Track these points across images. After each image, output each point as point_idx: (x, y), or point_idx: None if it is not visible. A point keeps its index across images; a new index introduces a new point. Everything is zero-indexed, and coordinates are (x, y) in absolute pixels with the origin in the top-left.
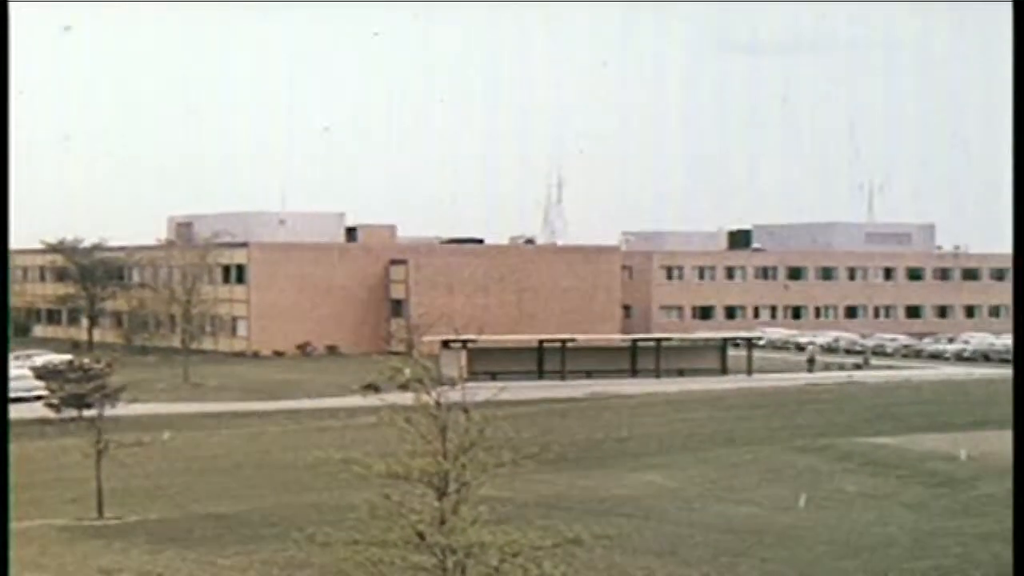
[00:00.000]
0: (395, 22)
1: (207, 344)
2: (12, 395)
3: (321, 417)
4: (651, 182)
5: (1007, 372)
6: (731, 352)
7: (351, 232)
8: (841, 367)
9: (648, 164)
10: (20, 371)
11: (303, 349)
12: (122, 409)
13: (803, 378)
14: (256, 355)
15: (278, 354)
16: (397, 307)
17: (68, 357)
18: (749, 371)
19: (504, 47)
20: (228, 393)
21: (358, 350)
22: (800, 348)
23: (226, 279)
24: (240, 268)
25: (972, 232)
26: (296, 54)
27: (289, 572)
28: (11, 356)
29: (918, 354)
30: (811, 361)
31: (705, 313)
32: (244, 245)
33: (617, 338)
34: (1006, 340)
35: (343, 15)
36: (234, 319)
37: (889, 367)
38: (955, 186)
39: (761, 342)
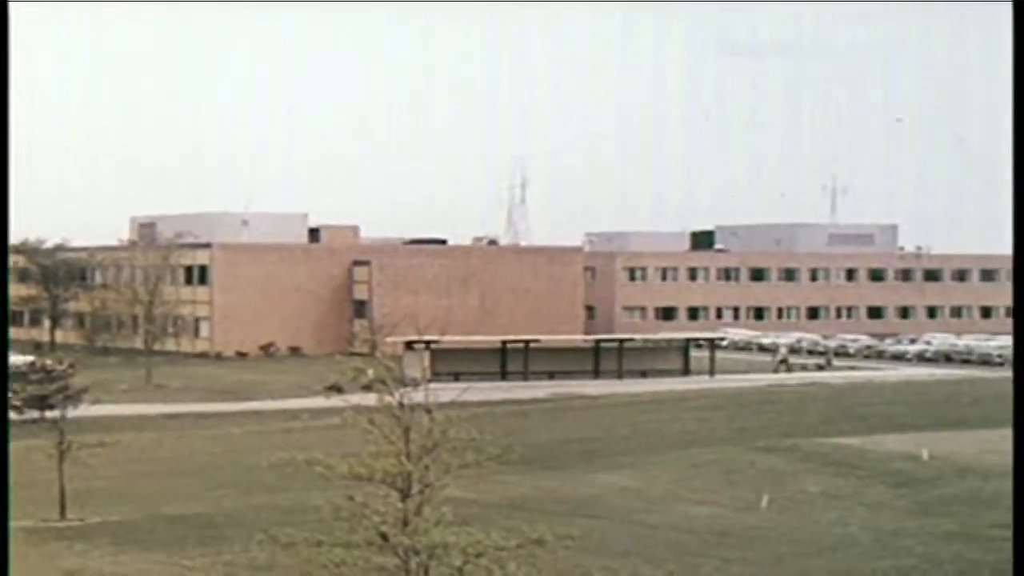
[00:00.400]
0: (363, 23)
1: (170, 345)
2: None
3: (284, 418)
4: (615, 183)
5: (968, 373)
6: (694, 353)
7: (314, 233)
8: (804, 368)
9: (612, 165)
10: None
11: (266, 350)
12: (85, 410)
13: (765, 379)
14: (219, 356)
15: (241, 355)
16: (360, 308)
17: (30, 358)
18: (712, 372)
19: (469, 48)
20: (191, 394)
21: (321, 351)
22: (763, 349)
23: (189, 280)
24: (203, 269)
25: (934, 233)
26: (262, 55)
27: (252, 573)
28: None
29: (880, 355)
30: (783, 362)
31: (668, 314)
32: (207, 246)
33: (580, 339)
34: (967, 341)
35: (310, 15)
36: (197, 320)
37: (851, 368)
38: (918, 187)
39: (724, 343)
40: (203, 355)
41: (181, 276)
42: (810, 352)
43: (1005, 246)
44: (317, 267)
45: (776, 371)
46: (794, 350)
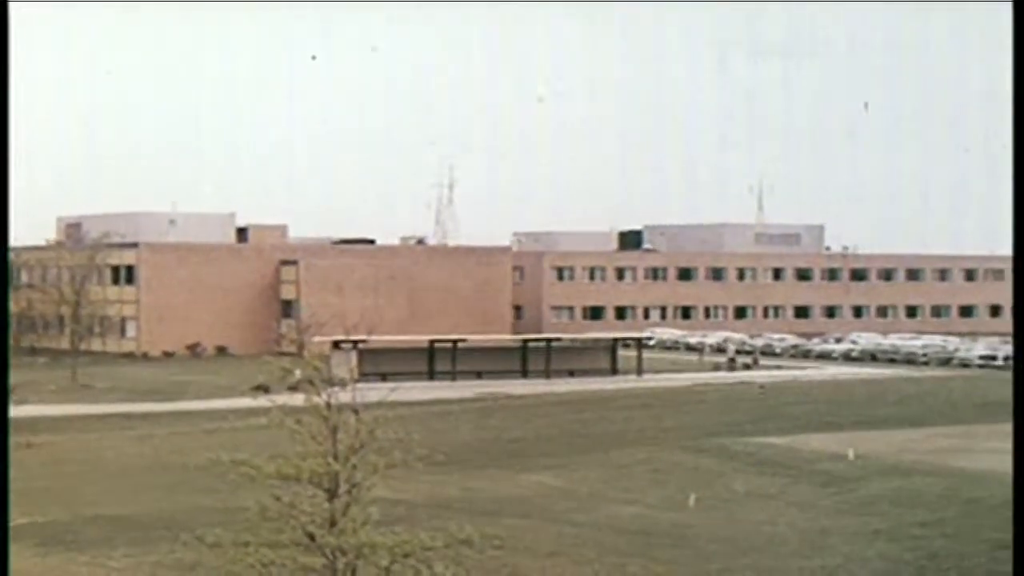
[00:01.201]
0: (287, 21)
1: (96, 345)
2: None
3: (211, 419)
4: (543, 182)
5: (894, 372)
6: (621, 352)
7: (242, 232)
8: (730, 367)
9: (540, 164)
10: None
11: (193, 350)
12: (10, 411)
13: (692, 378)
14: (146, 356)
15: (167, 355)
16: (288, 307)
17: None
18: (639, 371)
19: (397, 47)
20: (117, 394)
21: (248, 351)
22: (690, 348)
23: (115, 280)
24: (130, 269)
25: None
26: (189, 54)
27: (179, 574)
28: None
29: (806, 354)
30: (732, 361)
31: (596, 313)
32: (134, 246)
33: (508, 339)
34: (893, 340)
35: (238, 14)
36: (123, 320)
37: (778, 367)
38: (845, 187)
39: (651, 342)
40: (130, 355)
41: (108, 276)
42: (737, 351)
43: (929, 246)
44: (244, 267)
45: (730, 370)
46: (721, 349)
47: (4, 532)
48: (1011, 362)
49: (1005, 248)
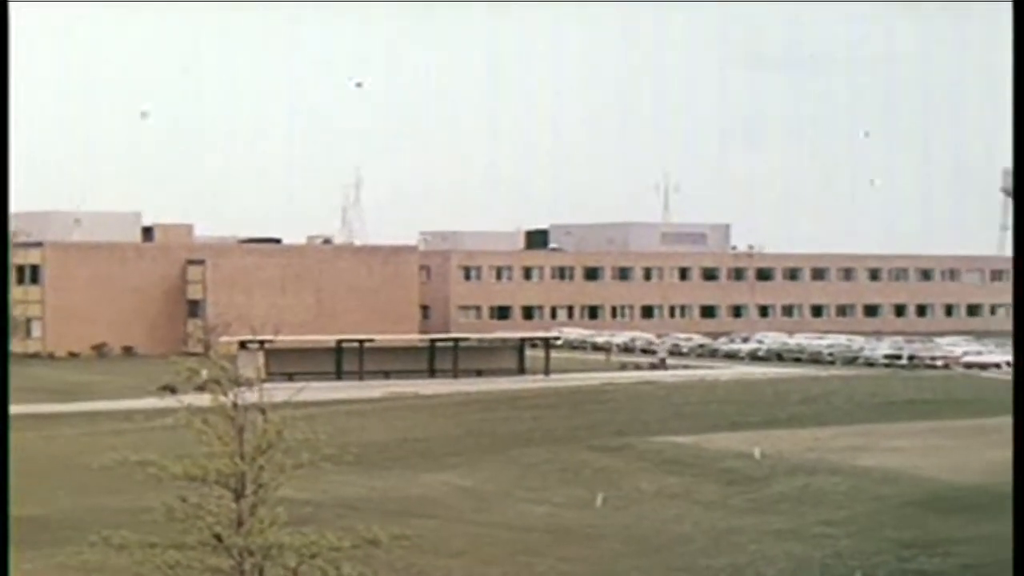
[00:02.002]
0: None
1: None
2: None
3: (117, 419)
4: (449, 182)
5: (800, 371)
6: (529, 352)
7: (148, 232)
8: (637, 367)
9: (446, 164)
10: None
11: (99, 350)
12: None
13: (600, 377)
14: (51, 356)
15: (73, 355)
16: (194, 307)
17: None
18: (547, 371)
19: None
20: (22, 395)
21: (155, 351)
22: (597, 348)
23: (20, 280)
24: (35, 268)
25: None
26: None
27: None
28: None
29: (713, 354)
30: (662, 360)
31: (503, 313)
32: (38, 245)
33: (415, 338)
34: (799, 339)
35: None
36: (28, 320)
37: (685, 367)
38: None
39: (559, 342)
40: (35, 355)
41: (12, 275)
42: (644, 351)
43: (834, 246)
44: (151, 266)
45: (654, 368)
46: (628, 349)
47: (4, 532)
48: (914, 361)
49: (907, 247)
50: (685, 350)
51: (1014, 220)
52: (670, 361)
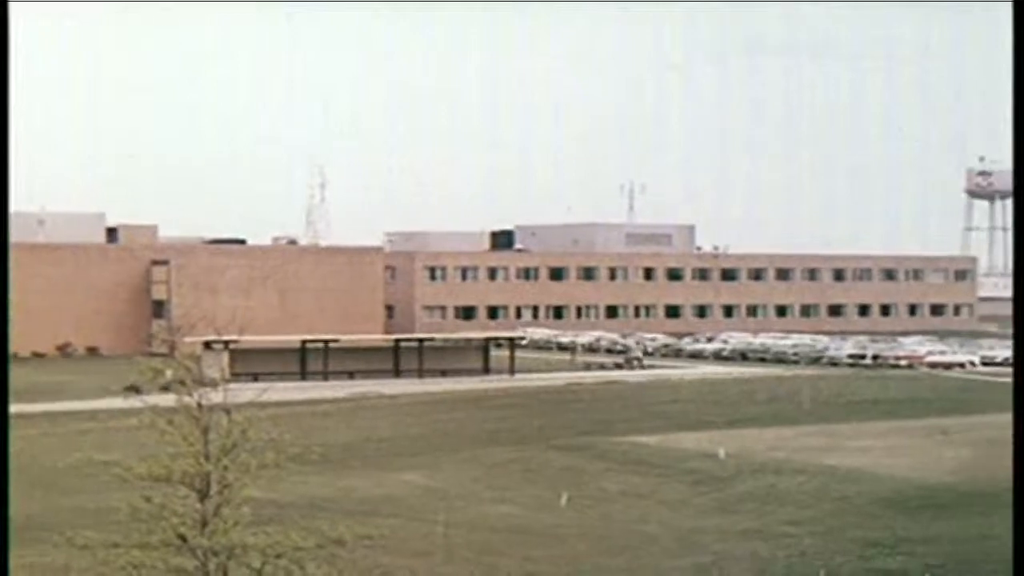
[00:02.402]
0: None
1: None
2: None
3: (81, 419)
4: (414, 183)
5: (764, 371)
6: (494, 352)
7: (112, 232)
8: (602, 367)
9: (411, 165)
10: None
11: (63, 350)
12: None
13: (564, 377)
14: (15, 357)
15: (37, 355)
16: (159, 308)
17: None
18: (511, 371)
19: (270, 46)
20: None
21: (119, 351)
22: (562, 348)
23: None
24: None
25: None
26: (59, 52)
27: None
28: None
29: (678, 353)
30: (637, 359)
31: (468, 313)
32: None
33: (380, 338)
34: (763, 339)
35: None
36: None
37: (650, 366)
38: (716, 187)
39: (523, 342)
40: None
41: None
42: (609, 351)
43: (799, 246)
44: (115, 267)
45: (631, 368)
46: (593, 349)
47: (4, 532)
48: (878, 360)
49: (871, 248)
50: (650, 350)
51: (1014, 220)
52: (620, 360)
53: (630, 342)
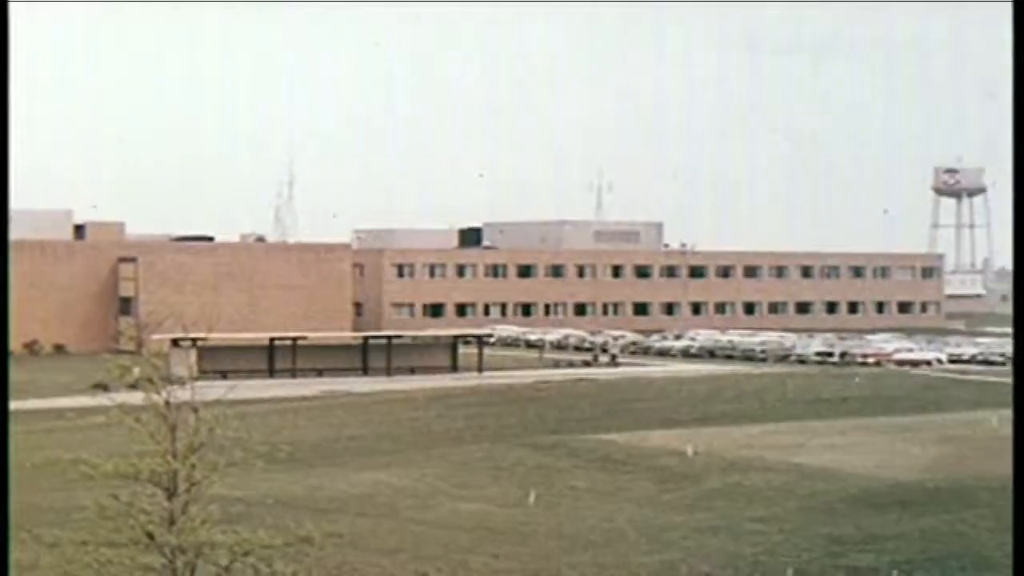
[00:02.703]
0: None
1: None
2: None
3: (48, 418)
4: (382, 180)
5: (732, 368)
6: (462, 350)
7: (79, 230)
8: (571, 364)
9: (379, 162)
10: None
11: (30, 348)
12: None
13: (533, 375)
14: None
15: None
16: (126, 305)
17: None
18: (480, 368)
19: (237, 45)
20: None
21: (86, 349)
22: (531, 345)
23: None
24: None
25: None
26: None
27: (16, 574)
28: None
29: (646, 351)
30: (614, 357)
31: (436, 311)
32: None
33: (348, 336)
34: (731, 336)
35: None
36: None
37: (618, 364)
38: (683, 185)
39: (492, 340)
40: None
41: None
42: (577, 348)
43: (766, 243)
44: (82, 264)
45: (587, 366)
46: (562, 346)
47: (4, 532)
48: (846, 358)
49: (837, 245)
50: (619, 347)
51: (1014, 220)
52: (603, 358)
53: (608, 339)
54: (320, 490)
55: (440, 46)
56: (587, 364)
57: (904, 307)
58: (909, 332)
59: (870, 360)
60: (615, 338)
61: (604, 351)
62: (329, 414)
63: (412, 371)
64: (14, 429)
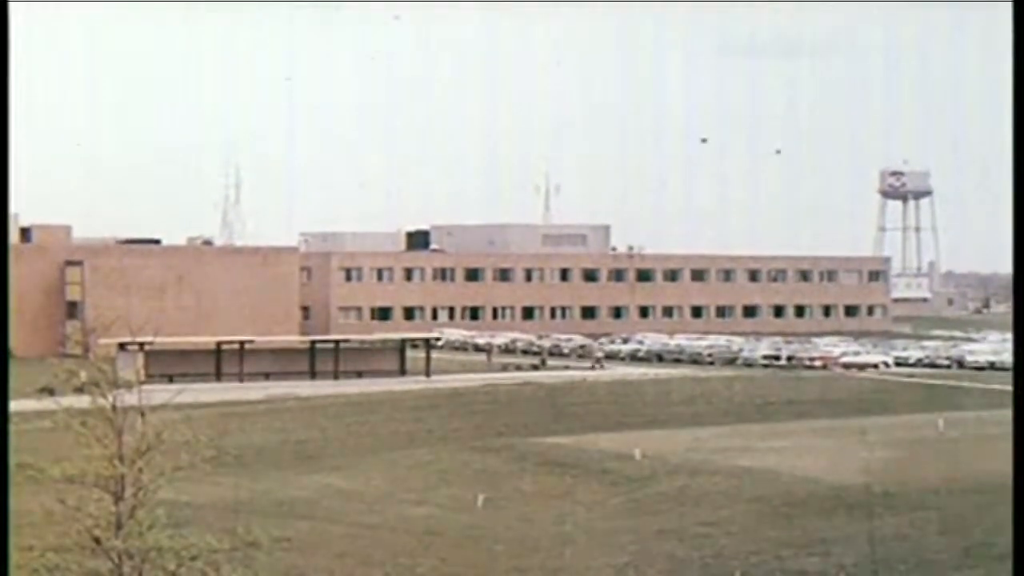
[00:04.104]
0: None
1: None
2: None
3: None
4: (329, 183)
5: (680, 372)
6: (410, 353)
7: (25, 232)
8: (518, 368)
9: (326, 165)
10: None
11: None
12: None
13: (480, 379)
14: None
15: None
16: (73, 309)
17: None
18: (427, 372)
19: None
20: None
21: (33, 352)
22: (479, 349)
23: None
24: None
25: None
26: None
27: None
28: None
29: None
30: (598, 361)
31: (384, 314)
32: None
33: (296, 340)
34: (679, 340)
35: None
36: None
37: (566, 367)
38: (631, 187)
39: (440, 343)
40: None
41: None
42: (525, 352)
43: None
44: (28, 267)
45: (593, 368)
46: (509, 350)
47: (4, 532)
48: (792, 361)
49: (784, 249)
50: (566, 351)
51: (1014, 220)
52: (551, 362)
53: (593, 344)
54: (268, 494)
55: (388, 46)
56: (535, 368)
57: (851, 311)
58: (856, 335)
59: (817, 363)
60: (600, 343)
61: (526, 353)
62: (276, 418)
63: (360, 375)
64: None
